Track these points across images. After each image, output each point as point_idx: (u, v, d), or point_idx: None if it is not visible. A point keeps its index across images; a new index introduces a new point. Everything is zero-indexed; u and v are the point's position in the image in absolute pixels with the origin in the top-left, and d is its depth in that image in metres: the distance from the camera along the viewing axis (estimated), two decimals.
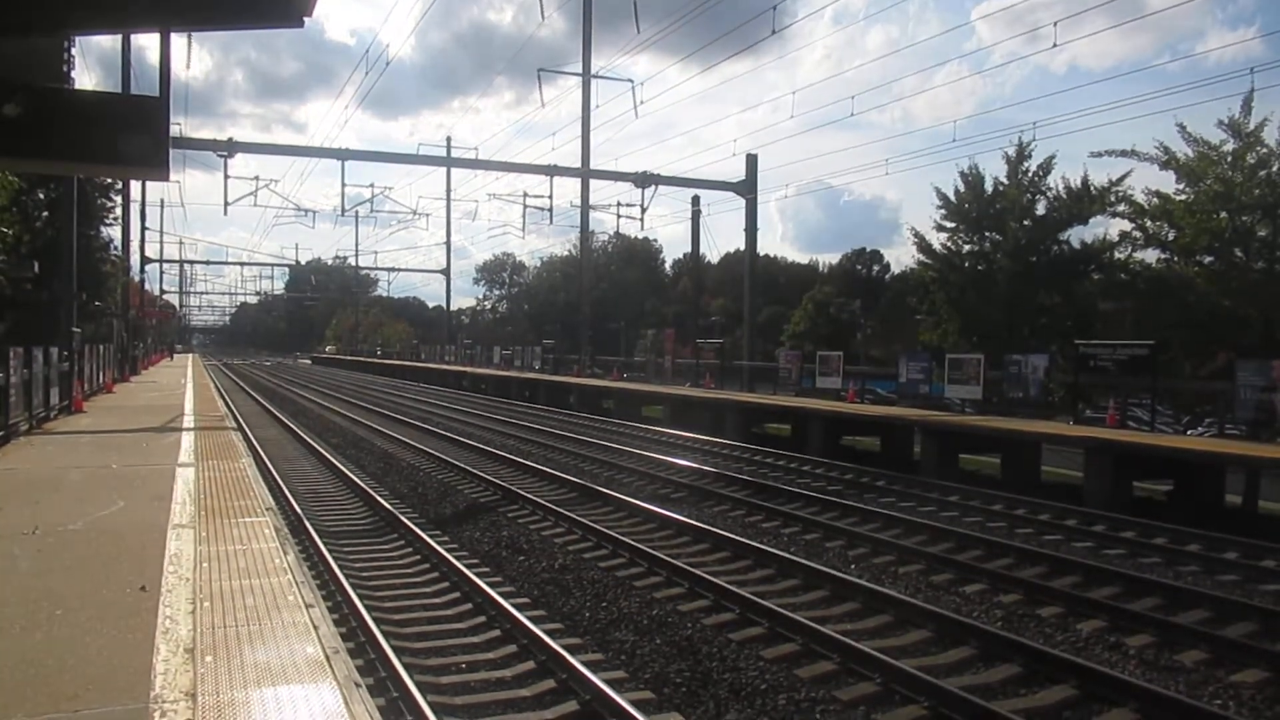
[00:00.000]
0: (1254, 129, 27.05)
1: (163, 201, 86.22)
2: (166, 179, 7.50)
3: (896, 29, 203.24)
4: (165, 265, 75.13)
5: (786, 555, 10.13)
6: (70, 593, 5.28)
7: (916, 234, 36.64)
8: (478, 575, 9.35)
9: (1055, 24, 29.64)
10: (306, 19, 5.34)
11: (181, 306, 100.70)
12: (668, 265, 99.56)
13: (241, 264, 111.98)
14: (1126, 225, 31.58)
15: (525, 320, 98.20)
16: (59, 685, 3.88)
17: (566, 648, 7.11)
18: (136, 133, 6.59)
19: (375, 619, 7.71)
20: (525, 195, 40.06)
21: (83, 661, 4.17)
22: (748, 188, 36.83)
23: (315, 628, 4.77)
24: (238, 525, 7.41)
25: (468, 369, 53.76)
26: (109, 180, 36.67)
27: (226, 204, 34.51)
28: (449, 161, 43.53)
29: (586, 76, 42.72)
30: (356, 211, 52.03)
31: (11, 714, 3.60)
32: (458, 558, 10.25)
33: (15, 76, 6.76)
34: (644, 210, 36.90)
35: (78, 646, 4.36)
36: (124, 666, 4.12)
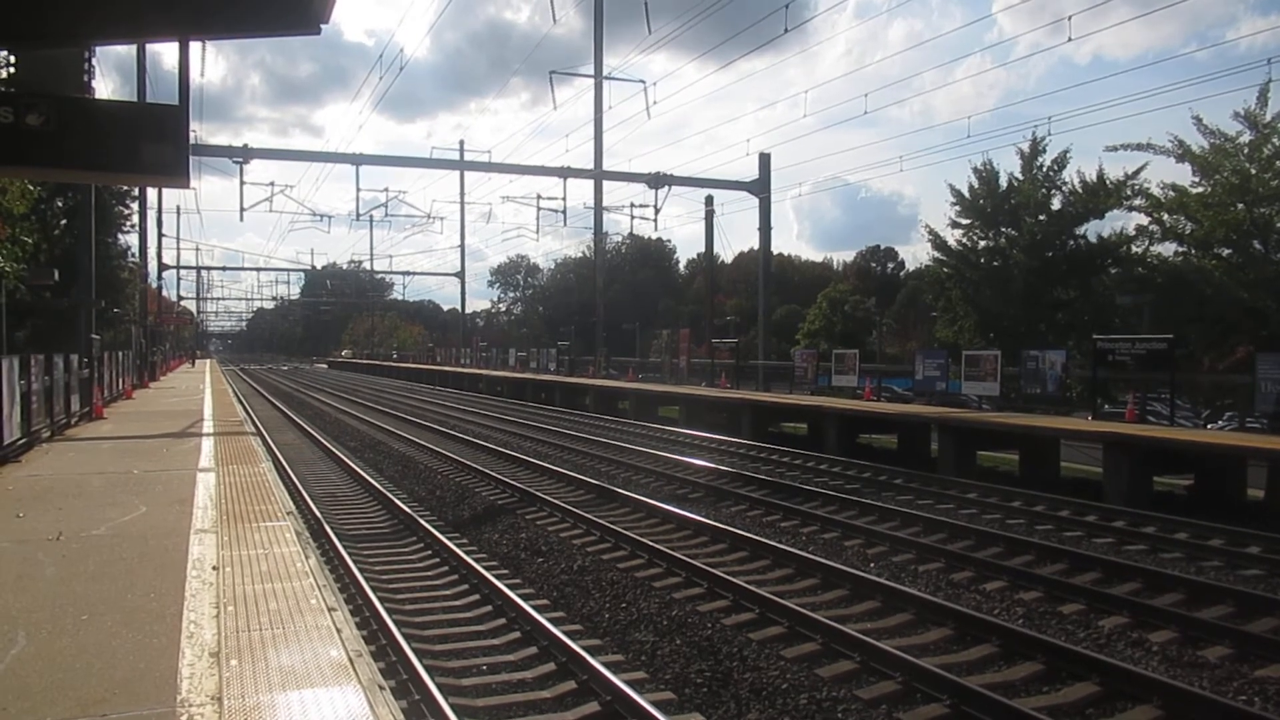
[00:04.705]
0: (1270, 120, 26.87)
1: (179, 208, 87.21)
2: (187, 186, 7.59)
3: (920, 22, 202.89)
4: (182, 271, 75.51)
5: (805, 554, 10.11)
6: (95, 598, 5.33)
7: (931, 231, 36.58)
8: (497, 577, 9.38)
9: (1070, 18, 29.42)
10: (324, 25, 5.38)
11: (198, 312, 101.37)
12: (682, 265, 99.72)
13: (257, 269, 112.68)
14: (1143, 219, 31.48)
15: (540, 322, 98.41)
16: (86, 690, 3.92)
17: (587, 649, 7.12)
18: (157, 141, 6.65)
19: (396, 622, 7.75)
20: (539, 197, 40.19)
21: (109, 666, 4.21)
22: (761, 186, 36.80)
23: (338, 631, 4.80)
24: (259, 529, 7.46)
25: (483, 371, 53.88)
26: (126, 188, 37.00)
27: (242, 210, 34.75)
28: (462, 165, 43.63)
29: (598, 78, 42.82)
30: (371, 215, 52.53)
31: (41, 718, 3.64)
32: (477, 560, 10.29)
33: (38, 86, 6.83)
34: (657, 211, 36.93)
35: (104, 651, 4.40)
36: (150, 671, 4.16)
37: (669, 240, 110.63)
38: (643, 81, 52.80)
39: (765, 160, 37.29)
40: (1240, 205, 27.32)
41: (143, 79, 25.81)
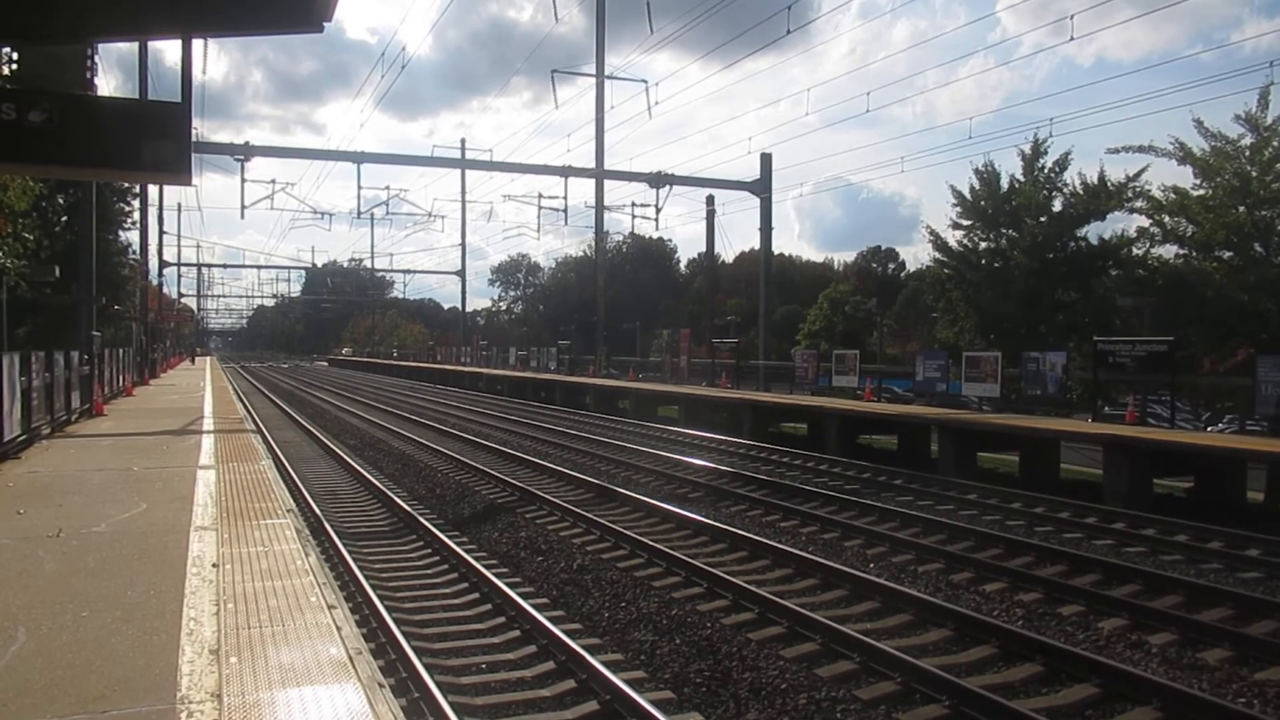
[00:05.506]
0: (1271, 123, 26.87)
1: (180, 205, 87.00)
2: (189, 184, 7.57)
3: (924, 21, 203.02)
4: (183, 269, 75.58)
5: (805, 554, 10.11)
6: (95, 594, 5.34)
7: (932, 232, 36.57)
8: (496, 576, 9.38)
9: (1072, 17, 29.57)
10: (326, 24, 5.38)
11: (199, 310, 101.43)
12: (683, 265, 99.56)
13: (258, 267, 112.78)
14: (1144, 221, 31.47)
15: (541, 321, 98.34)
16: (86, 686, 3.93)
17: (586, 648, 7.13)
18: (159, 138, 6.65)
19: (396, 619, 7.75)
20: (540, 196, 40.23)
21: (109, 662, 4.21)
22: (762, 186, 36.84)
23: (338, 629, 4.81)
24: (259, 527, 7.46)
25: (484, 370, 53.88)
26: (127, 184, 37.01)
27: (244, 207, 34.85)
28: (464, 163, 43.61)
29: (600, 78, 42.81)
30: (372, 214, 52.35)
31: (42, 714, 3.65)
32: (476, 558, 10.28)
33: (40, 83, 6.84)
34: (659, 210, 37.00)
35: (104, 648, 4.41)
36: (150, 667, 4.16)
37: (670, 240, 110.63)
38: (644, 81, 52.84)
39: (767, 160, 37.35)
40: (1241, 208, 27.33)
41: (145, 76, 25.87)
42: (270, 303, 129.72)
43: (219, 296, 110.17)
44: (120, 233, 41.71)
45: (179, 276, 77.55)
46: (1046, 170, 33.54)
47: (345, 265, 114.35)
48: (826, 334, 56.69)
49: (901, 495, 14.76)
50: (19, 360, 12.27)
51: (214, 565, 6.09)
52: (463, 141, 68.97)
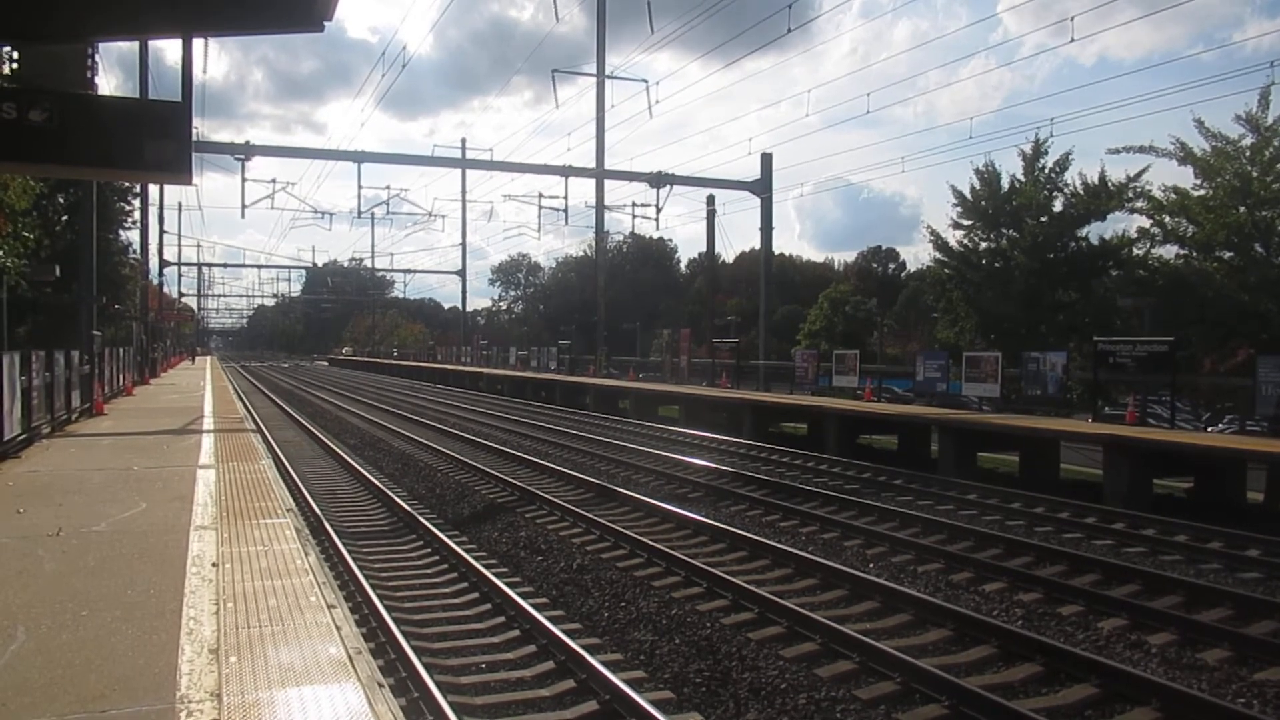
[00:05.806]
0: (1272, 123, 26.87)
1: (180, 204, 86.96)
2: (189, 183, 7.57)
3: (926, 22, 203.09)
4: (183, 268, 75.58)
5: (804, 554, 10.11)
6: (95, 594, 5.34)
7: (933, 232, 36.59)
8: (496, 575, 9.38)
9: (1073, 18, 29.88)
10: (327, 23, 5.38)
11: (199, 309, 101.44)
12: (683, 265, 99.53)
13: (259, 266, 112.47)
14: (1144, 221, 31.48)
15: (541, 321, 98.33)
16: (86, 685, 3.93)
17: (586, 647, 7.13)
18: (160, 138, 6.65)
19: (395, 619, 7.75)
20: (541, 196, 40.22)
21: (109, 662, 4.22)
22: (763, 186, 36.83)
23: (338, 628, 4.81)
24: (259, 526, 7.47)
25: (484, 370, 53.88)
26: (127, 184, 37.04)
27: (244, 207, 34.82)
28: (464, 163, 43.59)
29: (600, 77, 42.81)
30: (373, 213, 52.36)
31: (41, 714, 3.65)
32: (476, 558, 10.28)
33: (41, 82, 6.84)
34: (659, 210, 36.99)
35: (104, 647, 4.41)
36: (149, 667, 4.16)
37: (670, 240, 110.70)
38: (645, 81, 52.89)
39: (767, 160, 37.35)
40: (1242, 208, 27.34)
41: (145, 75, 25.88)
42: (270, 302, 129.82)
43: (219, 296, 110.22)
44: (120, 232, 41.78)
45: (179, 276, 77.59)
46: (1047, 170, 33.55)
47: (345, 265, 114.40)
48: (827, 334, 56.66)
49: (901, 495, 14.75)
50: (19, 360, 12.27)
51: (214, 564, 6.10)
52: (463, 141, 69.06)
